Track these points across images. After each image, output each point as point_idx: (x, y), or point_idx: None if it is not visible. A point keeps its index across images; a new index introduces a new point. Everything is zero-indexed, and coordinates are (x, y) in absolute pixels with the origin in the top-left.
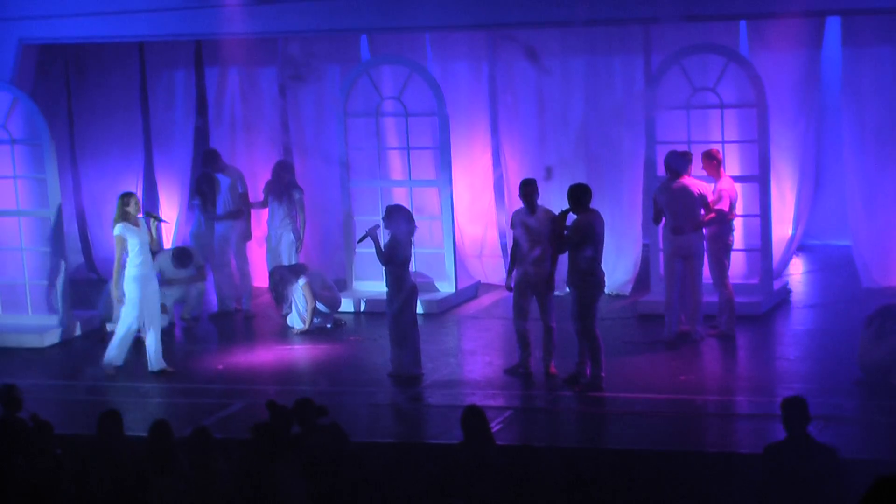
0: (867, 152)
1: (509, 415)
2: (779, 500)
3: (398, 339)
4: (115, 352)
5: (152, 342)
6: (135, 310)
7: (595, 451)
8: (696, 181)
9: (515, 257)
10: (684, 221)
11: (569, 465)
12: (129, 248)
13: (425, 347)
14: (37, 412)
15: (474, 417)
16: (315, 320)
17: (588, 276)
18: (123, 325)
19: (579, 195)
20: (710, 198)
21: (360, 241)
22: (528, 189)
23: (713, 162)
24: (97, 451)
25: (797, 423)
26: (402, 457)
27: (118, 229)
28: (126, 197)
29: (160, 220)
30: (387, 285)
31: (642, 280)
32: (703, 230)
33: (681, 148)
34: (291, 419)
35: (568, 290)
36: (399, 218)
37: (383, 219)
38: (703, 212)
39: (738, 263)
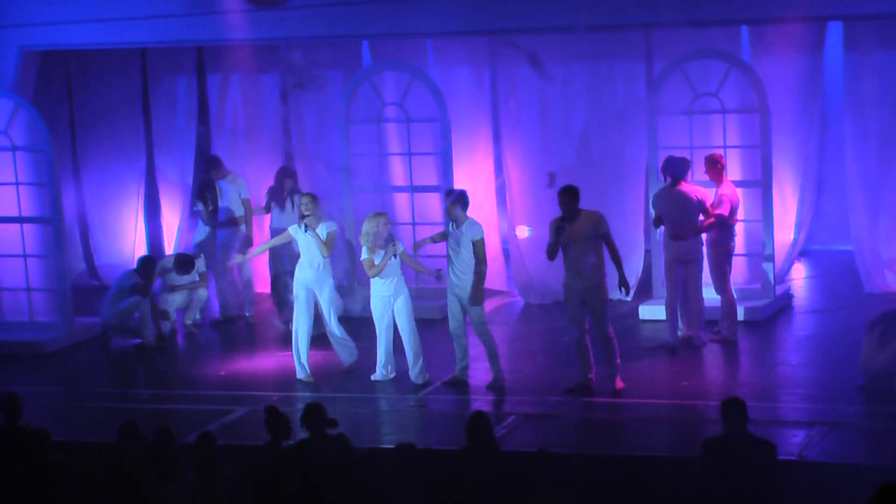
0: (869, 157)
1: (512, 420)
2: (719, 493)
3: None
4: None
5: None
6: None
7: (598, 457)
8: (695, 187)
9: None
10: (683, 227)
11: (571, 471)
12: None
13: (428, 354)
14: (28, 421)
15: (480, 424)
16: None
17: (602, 284)
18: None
19: (577, 195)
20: (709, 203)
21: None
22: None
23: (716, 166)
24: (104, 460)
25: (736, 421)
26: (405, 462)
27: (332, 227)
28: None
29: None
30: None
31: (644, 286)
32: (704, 235)
33: (682, 153)
34: (289, 428)
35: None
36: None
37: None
38: (702, 217)
39: (739, 269)
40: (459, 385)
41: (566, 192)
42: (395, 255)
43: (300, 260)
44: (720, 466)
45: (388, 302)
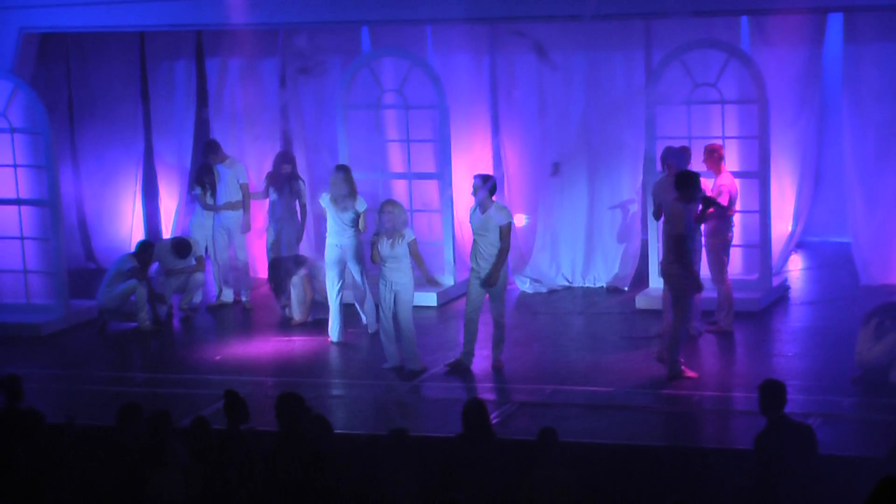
0: (867, 149)
1: (508, 408)
2: (770, 486)
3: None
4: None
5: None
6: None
7: (592, 446)
8: None
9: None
10: None
11: (567, 459)
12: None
13: (424, 340)
14: (32, 404)
15: (475, 410)
16: (313, 312)
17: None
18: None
19: None
20: (710, 193)
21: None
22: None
23: (714, 156)
24: (102, 442)
25: (775, 406)
26: (397, 448)
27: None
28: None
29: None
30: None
31: (641, 275)
32: (702, 226)
33: (681, 143)
34: (247, 412)
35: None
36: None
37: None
38: (701, 207)
39: (736, 259)
40: (461, 370)
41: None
42: (391, 246)
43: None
44: (775, 457)
45: (389, 286)
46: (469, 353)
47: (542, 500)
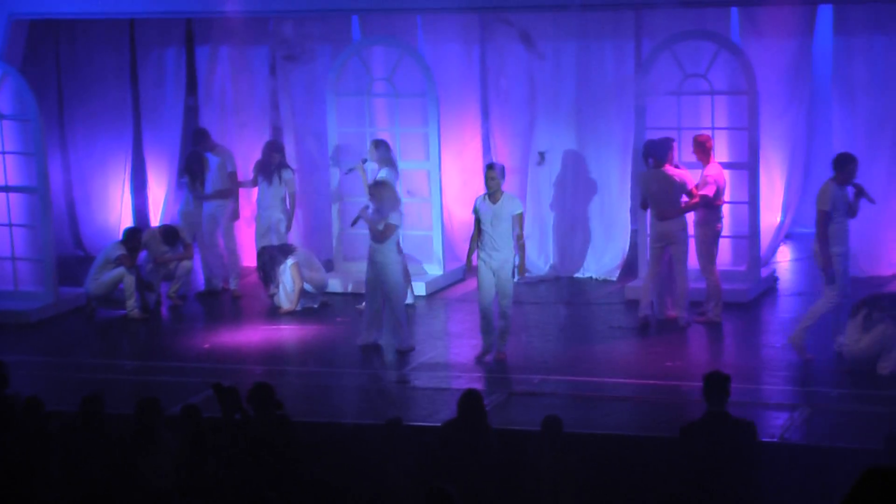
0: (857, 141)
1: (495, 398)
2: (696, 479)
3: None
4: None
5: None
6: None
7: (579, 436)
8: (675, 169)
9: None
10: (666, 208)
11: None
12: None
13: (412, 330)
14: (19, 391)
15: (471, 401)
16: (302, 301)
17: None
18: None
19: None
20: (690, 184)
21: (353, 223)
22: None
23: (703, 147)
24: (83, 430)
25: (717, 399)
26: (389, 438)
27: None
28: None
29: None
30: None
31: (630, 266)
32: (692, 217)
33: (670, 134)
34: (237, 405)
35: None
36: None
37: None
38: (685, 198)
39: (725, 250)
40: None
41: None
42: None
43: None
44: (700, 451)
45: (375, 266)
46: (490, 346)
47: (539, 488)
